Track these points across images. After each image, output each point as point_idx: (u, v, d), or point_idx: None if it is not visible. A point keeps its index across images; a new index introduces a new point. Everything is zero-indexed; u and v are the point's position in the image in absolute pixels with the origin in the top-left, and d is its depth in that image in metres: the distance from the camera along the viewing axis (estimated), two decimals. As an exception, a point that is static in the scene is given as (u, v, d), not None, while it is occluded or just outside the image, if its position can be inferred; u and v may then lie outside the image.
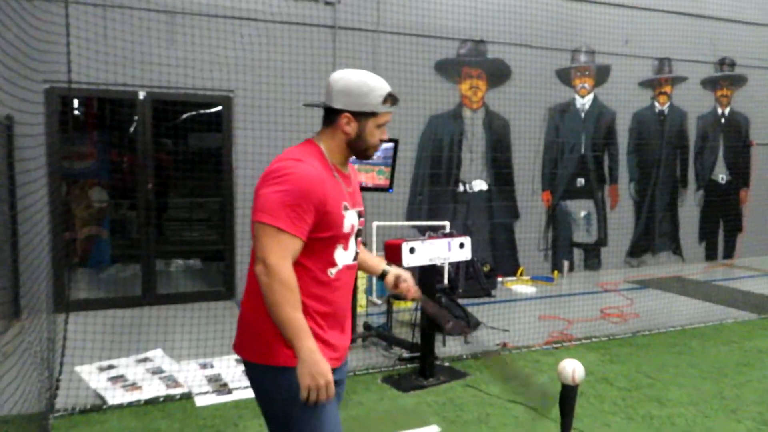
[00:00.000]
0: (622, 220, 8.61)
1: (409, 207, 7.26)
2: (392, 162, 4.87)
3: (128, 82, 5.97)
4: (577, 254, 8.32)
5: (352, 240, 1.97)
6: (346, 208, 1.90)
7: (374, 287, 6.60)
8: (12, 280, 5.50)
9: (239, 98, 6.41)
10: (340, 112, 1.87)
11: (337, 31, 6.73)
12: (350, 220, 1.93)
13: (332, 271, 1.90)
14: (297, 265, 1.83)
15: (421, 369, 4.25)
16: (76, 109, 7.66)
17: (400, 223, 6.85)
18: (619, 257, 8.61)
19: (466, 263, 6.91)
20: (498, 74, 7.57)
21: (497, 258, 7.67)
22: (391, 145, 4.84)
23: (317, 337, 1.83)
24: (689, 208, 9.09)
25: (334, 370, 1.86)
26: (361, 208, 2.04)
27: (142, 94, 6.09)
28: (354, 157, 2.01)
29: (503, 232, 7.78)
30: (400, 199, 7.16)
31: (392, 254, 4.07)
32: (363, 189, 4.75)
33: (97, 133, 7.47)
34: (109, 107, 6.69)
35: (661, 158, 8.78)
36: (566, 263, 8.10)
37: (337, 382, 1.95)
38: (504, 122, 7.66)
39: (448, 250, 4.24)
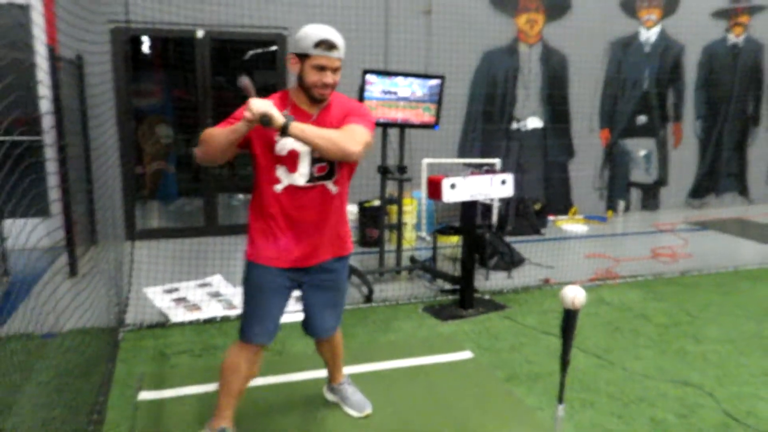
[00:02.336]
0: (686, 159, 8.31)
1: (461, 144, 7.27)
2: (438, 99, 4.90)
3: (187, 20, 6.17)
4: (635, 194, 8.14)
5: (302, 165, 2.34)
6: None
7: (423, 223, 6.75)
8: (88, 209, 5.99)
9: (293, 36, 6.50)
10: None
11: (389, -35, 6.64)
12: (287, 145, 2.30)
13: (278, 187, 2.35)
14: (255, 178, 2.40)
15: (461, 300, 4.42)
16: (140, 48, 7.98)
17: (450, 160, 6.90)
18: (679, 198, 8.36)
19: (516, 201, 6.93)
20: (557, 7, 7.30)
21: (550, 197, 7.63)
22: (437, 82, 4.85)
23: (267, 234, 2.40)
24: (760, 148, 8.64)
25: (290, 269, 2.44)
26: None
27: (200, 33, 6.29)
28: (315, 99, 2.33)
29: (557, 171, 7.70)
30: (451, 136, 7.18)
31: (434, 189, 4.18)
32: (409, 126, 4.85)
33: (161, 72, 7.78)
34: (171, 46, 6.94)
35: (732, 95, 8.32)
36: (622, 203, 7.96)
37: (301, 282, 2.52)
38: (562, 57, 7.44)
39: (489, 187, 4.30)
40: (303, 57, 2.25)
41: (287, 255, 2.42)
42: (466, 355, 3.66)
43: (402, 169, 4.95)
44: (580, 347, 3.74)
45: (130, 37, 6.19)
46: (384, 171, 4.89)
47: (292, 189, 2.36)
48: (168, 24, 6.15)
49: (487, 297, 4.71)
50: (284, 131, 2.09)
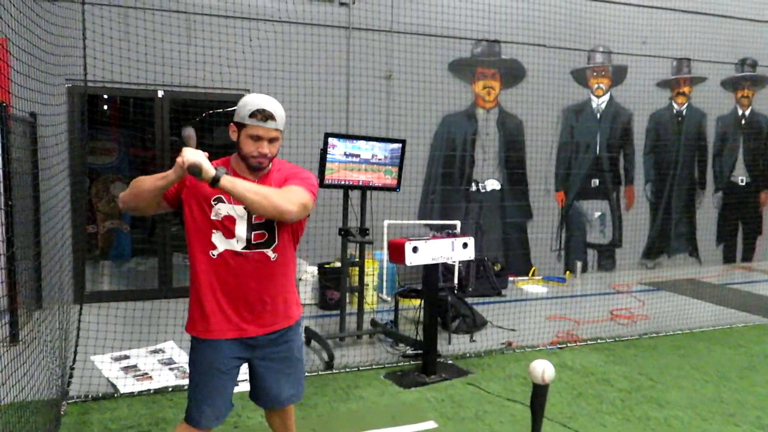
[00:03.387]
0: (638, 221, 8.57)
1: (421, 206, 7.33)
2: (400, 162, 4.94)
3: (148, 80, 6.14)
4: (591, 255, 8.31)
5: (238, 230, 2.26)
6: (217, 201, 2.25)
7: (384, 284, 6.69)
8: (35, 271, 5.72)
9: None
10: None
11: (351, 32, 6.82)
12: (222, 210, 2.25)
13: (213, 253, 2.26)
14: (188, 245, 2.31)
15: (424, 366, 4.33)
16: (98, 106, 7.89)
17: (411, 221, 6.93)
18: (634, 259, 8.57)
19: (477, 262, 6.96)
20: (512, 74, 7.59)
21: (509, 257, 7.71)
22: (398, 145, 4.91)
23: (204, 304, 2.28)
24: (707, 210, 9.00)
25: (241, 339, 2.31)
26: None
27: (160, 93, 6.26)
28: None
29: (516, 232, 7.81)
30: (412, 198, 7.24)
31: (396, 253, 4.15)
32: (371, 188, 4.85)
33: (118, 131, 7.68)
34: (129, 105, 6.88)
35: (678, 159, 8.70)
36: (579, 264, 8.10)
37: (251, 357, 2.38)
38: (518, 122, 7.68)
39: (451, 250, 4.30)
40: (240, 126, 2.23)
41: (227, 325, 2.29)
42: (429, 425, 3.55)
43: (364, 231, 4.92)
44: (546, 415, 3.67)
45: (86, 95, 6.11)
46: (345, 233, 4.85)
47: (228, 255, 2.26)
48: (127, 84, 6.11)
49: (450, 362, 4.63)
50: (214, 182, 2.02)
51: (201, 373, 2.33)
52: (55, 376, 3.86)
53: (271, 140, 2.23)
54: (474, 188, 7.58)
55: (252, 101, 2.21)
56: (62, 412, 3.59)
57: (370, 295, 6.31)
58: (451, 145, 7.41)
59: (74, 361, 4.08)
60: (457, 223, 6.85)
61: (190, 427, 2.35)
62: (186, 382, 4.09)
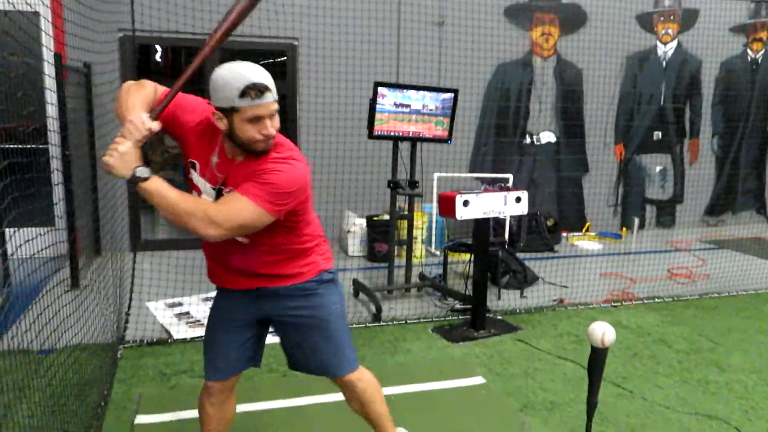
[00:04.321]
0: (702, 176, 8.13)
1: (473, 158, 7.14)
2: (451, 113, 4.77)
3: (196, 30, 6.09)
4: (650, 211, 7.97)
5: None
6: (192, 165, 1.99)
7: (434, 238, 6.61)
8: (93, 219, 5.89)
9: (303, 47, 6.42)
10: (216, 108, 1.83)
11: (402, -24, 6.55)
12: (194, 178, 2.02)
13: None
14: None
15: (472, 321, 4.27)
16: (151, 57, 7.92)
17: (461, 174, 6.76)
18: (695, 215, 8.18)
19: (529, 217, 6.77)
20: (572, 20, 7.18)
21: (563, 213, 7.47)
22: (450, 95, 4.73)
23: (205, 251, 2.17)
24: (779, 166, 8.45)
25: (222, 289, 2.20)
26: (225, 188, 1.97)
27: (210, 42, 6.19)
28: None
29: (571, 186, 7.54)
30: (463, 150, 7.05)
31: (446, 206, 4.04)
32: (421, 140, 4.71)
33: (170, 82, 7.72)
34: (180, 55, 6.86)
35: (750, 111, 8.14)
36: (636, 220, 7.79)
37: (263, 303, 2.15)
38: (577, 71, 7.31)
39: (503, 204, 4.16)
40: (229, 111, 1.80)
41: (229, 282, 2.14)
42: (477, 380, 3.50)
43: (413, 183, 4.82)
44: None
45: (138, 45, 6.12)
46: (394, 185, 4.76)
47: None
48: (176, 33, 6.07)
49: (499, 317, 4.55)
50: (132, 184, 1.78)
51: (208, 320, 2.30)
52: (111, 321, 3.98)
53: (273, 115, 1.85)
54: (528, 141, 7.31)
55: (235, 77, 1.77)
56: (119, 356, 3.71)
57: (419, 249, 6.25)
58: (505, 95, 7.13)
59: (129, 307, 4.20)
60: (509, 176, 6.64)
61: (204, 381, 2.31)
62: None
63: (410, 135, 4.68)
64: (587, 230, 7.52)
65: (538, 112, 7.30)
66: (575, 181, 7.56)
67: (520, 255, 6.20)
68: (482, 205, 4.06)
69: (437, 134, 4.77)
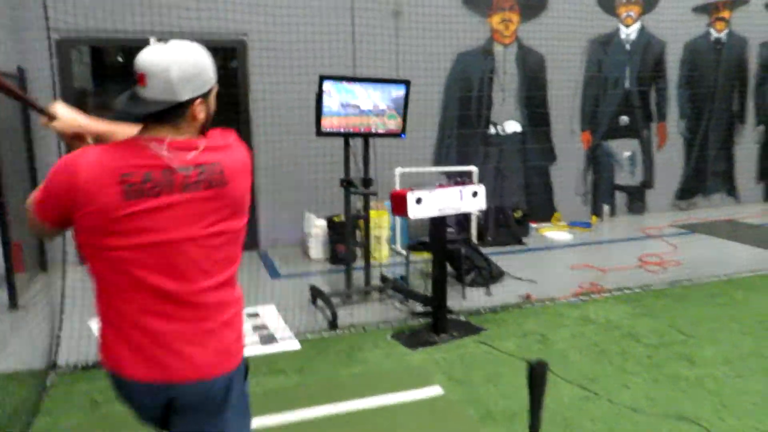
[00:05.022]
0: (671, 159, 8.01)
1: (436, 152, 6.92)
2: (404, 105, 4.53)
3: (137, 28, 5.77)
4: (620, 198, 7.82)
5: None
6: None
7: (398, 237, 6.38)
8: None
9: (254, 42, 6.14)
10: (190, 102, 1.51)
11: (354, -35, 6.28)
12: None
13: None
14: None
15: (434, 324, 4.05)
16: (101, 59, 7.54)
17: (424, 168, 6.53)
18: (666, 200, 8.05)
19: (496, 210, 6.59)
20: (533, 6, 6.98)
21: (532, 203, 7.29)
22: (401, 90, 4.48)
23: None
24: (747, 146, 8.36)
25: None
26: None
27: (152, 41, 5.89)
28: None
29: (538, 176, 7.36)
30: (426, 143, 6.82)
31: (398, 205, 3.82)
32: (373, 135, 4.48)
33: (112, 84, 7.35)
34: (123, 55, 6.52)
35: (716, 92, 8.03)
36: (607, 207, 7.64)
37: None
38: (539, 57, 7.11)
39: (459, 200, 3.94)
40: (210, 91, 1.58)
41: None
42: (435, 390, 3.28)
43: (367, 181, 4.58)
44: (564, 377, 3.37)
45: (74, 46, 5.79)
46: (347, 184, 4.52)
47: None
48: (120, 31, 5.75)
49: (462, 318, 4.34)
50: None
51: None
52: (45, 344, 3.69)
53: None
54: (493, 131, 7.11)
55: (206, 54, 1.56)
56: (48, 383, 3.42)
57: (383, 249, 6.02)
58: (466, 85, 6.92)
59: (60, 328, 3.90)
60: (474, 169, 6.42)
61: None
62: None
63: (361, 131, 4.43)
64: (557, 220, 7.35)
65: (501, 101, 7.09)
66: (543, 171, 7.38)
67: (488, 250, 6.02)
68: (436, 202, 3.84)
69: (390, 129, 4.53)
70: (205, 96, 1.54)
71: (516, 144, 7.22)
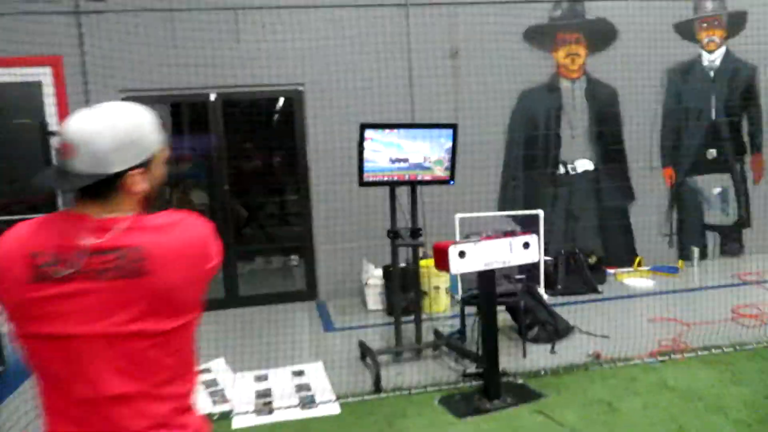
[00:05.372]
0: (771, 195, 7.19)
1: (501, 195, 6.57)
2: (452, 149, 4.28)
3: (199, 83, 5.92)
4: (712, 239, 7.08)
5: None
6: None
7: (460, 286, 6.04)
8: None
9: (310, 92, 6.13)
10: (123, 173, 1.30)
11: (409, 9, 6.19)
12: None
13: None
14: None
15: (485, 388, 3.69)
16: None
17: (486, 213, 6.19)
18: (767, 241, 7.21)
19: (567, 255, 6.12)
20: (601, 36, 6.58)
21: (609, 247, 6.73)
22: (447, 132, 4.24)
23: None
24: None
25: None
26: None
27: (212, 96, 6.02)
28: None
29: (615, 217, 6.80)
30: (489, 187, 6.50)
31: (440, 259, 3.54)
32: (420, 183, 4.25)
33: (179, 137, 7.60)
34: (184, 110, 6.72)
35: (821, 117, 7.18)
36: (696, 250, 6.91)
37: None
38: (611, 91, 6.65)
39: (509, 252, 3.60)
40: (154, 158, 1.35)
41: None
42: (478, 471, 2.92)
43: (415, 232, 4.33)
44: (629, 459, 2.91)
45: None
46: (394, 235, 4.29)
47: None
48: (183, 88, 5.91)
49: (519, 381, 3.94)
50: None
51: None
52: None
53: None
54: (562, 170, 6.68)
55: (148, 115, 1.35)
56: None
57: (443, 299, 5.71)
58: (532, 124, 6.57)
59: None
60: (540, 213, 6.00)
61: None
62: (219, 409, 3.76)
63: (406, 179, 4.21)
64: (639, 265, 6.73)
65: (570, 139, 6.67)
66: (620, 211, 6.82)
67: (558, 299, 5.58)
68: (482, 255, 3.53)
69: (437, 176, 4.28)
70: (144, 165, 1.33)
71: (589, 183, 6.74)
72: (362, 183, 4.12)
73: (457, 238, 5.82)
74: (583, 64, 6.60)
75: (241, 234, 7.13)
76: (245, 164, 7.08)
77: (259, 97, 6.21)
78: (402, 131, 4.19)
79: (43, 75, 5.66)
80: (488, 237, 3.62)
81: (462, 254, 3.47)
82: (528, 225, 6.09)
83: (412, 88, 6.26)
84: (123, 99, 5.86)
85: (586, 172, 6.73)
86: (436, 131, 4.25)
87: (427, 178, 4.26)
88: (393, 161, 4.17)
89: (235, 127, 6.32)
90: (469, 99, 6.34)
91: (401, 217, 4.35)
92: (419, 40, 6.22)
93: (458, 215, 5.92)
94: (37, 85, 5.61)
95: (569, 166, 6.69)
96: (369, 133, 4.06)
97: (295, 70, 6.05)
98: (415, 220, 4.37)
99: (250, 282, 6.72)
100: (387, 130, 4.15)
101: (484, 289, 3.68)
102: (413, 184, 4.31)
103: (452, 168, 4.30)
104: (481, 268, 3.55)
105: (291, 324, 5.55)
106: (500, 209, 6.50)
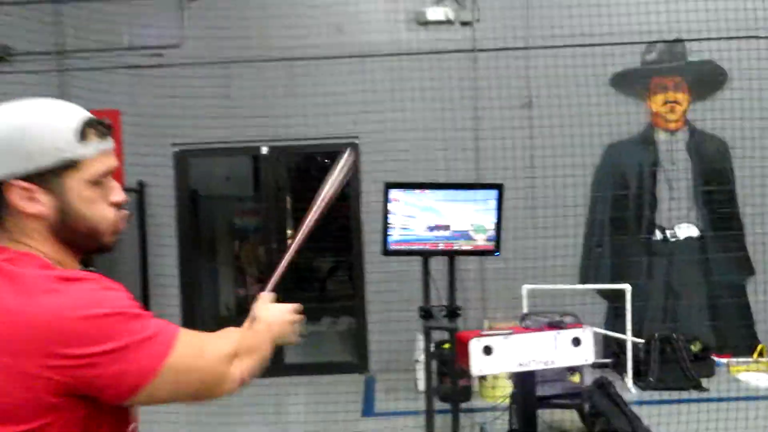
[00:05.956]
0: None
1: (583, 263, 5.66)
2: (497, 214, 3.57)
3: (254, 137, 5.69)
4: None
5: None
6: None
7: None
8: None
9: (365, 145, 5.68)
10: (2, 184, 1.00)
11: (477, 55, 5.62)
12: None
13: None
14: None
15: None
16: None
17: (562, 286, 5.31)
18: None
19: (662, 339, 5.07)
20: (706, 81, 5.61)
21: (720, 332, 5.55)
22: (491, 193, 3.55)
23: None
24: None
25: None
26: None
27: (264, 149, 5.75)
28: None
29: (729, 295, 5.62)
30: (569, 253, 5.63)
31: (461, 354, 2.82)
32: (457, 253, 3.59)
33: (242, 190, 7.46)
34: (239, 164, 6.53)
35: None
36: (839, 340, 5.53)
37: None
38: (720, 144, 5.61)
39: (552, 349, 2.81)
40: (59, 174, 1.01)
41: None
42: None
43: (453, 312, 3.63)
44: None
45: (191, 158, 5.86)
46: (426, 314, 3.62)
47: None
48: (233, 142, 5.72)
49: None
50: None
51: None
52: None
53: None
54: (659, 236, 5.66)
55: (59, 113, 1.03)
56: None
57: (502, 383, 4.86)
58: (620, 181, 5.66)
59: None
60: (626, 287, 5.02)
61: None
62: None
63: (440, 248, 3.55)
64: (759, 355, 5.46)
65: (669, 200, 5.66)
66: (735, 288, 5.64)
67: (649, 396, 4.58)
68: (516, 352, 2.76)
69: (478, 245, 3.58)
70: (36, 179, 1.00)
71: (693, 253, 5.65)
72: (386, 251, 3.52)
73: (525, 311, 4.99)
74: (685, 112, 5.63)
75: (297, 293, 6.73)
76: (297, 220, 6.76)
77: (312, 150, 5.86)
78: (439, 192, 3.57)
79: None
80: (524, 329, 2.85)
81: (488, 350, 2.73)
82: (615, 300, 5.17)
83: (478, 141, 5.62)
84: (176, 152, 5.76)
85: (689, 239, 5.66)
86: (479, 192, 3.57)
87: (467, 248, 3.57)
88: (431, 228, 3.54)
89: (287, 180, 6.00)
90: (545, 154, 5.60)
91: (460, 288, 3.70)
92: (488, 88, 5.61)
93: (526, 286, 5.10)
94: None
95: (668, 232, 5.66)
96: (396, 194, 3.47)
97: (350, 122, 5.64)
98: (453, 298, 3.67)
99: (299, 347, 6.24)
100: (418, 191, 3.54)
101: (521, 392, 2.89)
102: (450, 255, 3.63)
103: (497, 237, 3.58)
104: (515, 368, 2.78)
105: (327, 401, 4.95)
106: (582, 280, 5.59)
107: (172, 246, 5.75)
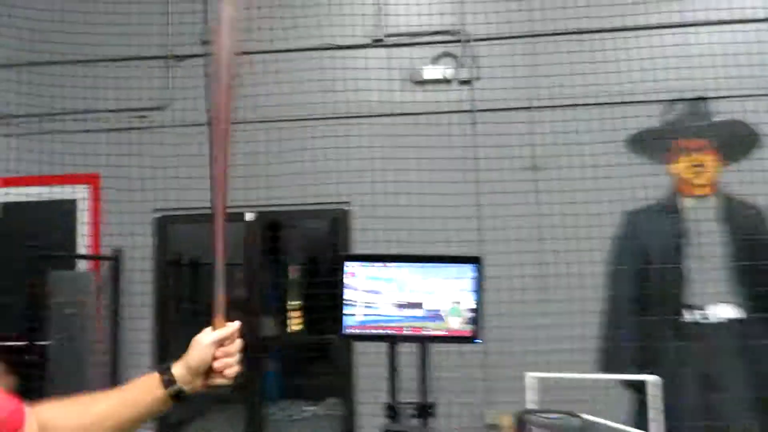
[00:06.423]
0: None
1: (602, 348, 4.95)
2: (476, 294, 2.99)
3: (239, 203, 5.31)
4: None
5: None
6: None
7: None
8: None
9: (357, 209, 5.23)
10: None
11: (476, 115, 5.19)
12: None
13: None
14: None
15: None
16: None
17: (574, 375, 4.58)
18: None
19: (696, 444, 4.26)
20: (736, 142, 5.01)
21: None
22: (467, 269, 2.98)
23: None
24: None
25: None
26: None
27: (248, 216, 5.35)
28: None
29: (777, 388, 4.80)
30: (585, 335, 4.94)
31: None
32: (429, 339, 3.02)
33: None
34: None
35: None
36: None
37: None
38: (755, 212, 4.94)
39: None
40: None
41: None
42: None
43: (424, 409, 3.00)
44: None
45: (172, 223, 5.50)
46: (390, 411, 3.00)
47: None
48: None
49: None
50: None
51: None
52: None
53: None
54: (689, 317, 4.93)
55: None
56: None
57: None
58: (642, 254, 5.00)
59: None
60: (653, 379, 4.28)
61: None
62: None
63: (404, 333, 2.98)
64: (819, 464, 4.57)
65: (701, 275, 4.96)
66: (784, 380, 4.82)
67: None
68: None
69: (452, 330, 2.98)
70: None
71: (732, 337, 4.88)
72: (342, 335, 2.96)
73: (528, 405, 4.29)
74: (714, 177, 5.02)
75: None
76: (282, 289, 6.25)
77: (299, 216, 5.43)
78: (405, 266, 3.03)
79: (80, 193, 5.40)
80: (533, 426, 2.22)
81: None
82: (641, 391, 4.41)
83: (480, 208, 5.10)
84: (157, 218, 5.43)
85: (728, 321, 4.90)
86: (452, 268, 3.01)
87: (438, 333, 2.99)
88: (400, 306, 2.99)
89: (272, 248, 5.56)
90: (553, 223, 5.02)
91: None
92: (490, 151, 5.14)
93: (530, 374, 4.40)
94: (70, 203, 5.35)
95: (700, 313, 4.92)
96: (353, 267, 2.95)
97: (340, 186, 5.22)
98: (425, 394, 3.05)
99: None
100: (382, 264, 3.01)
101: None
102: (422, 342, 3.04)
103: (476, 320, 2.98)
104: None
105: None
106: (599, 368, 4.86)
107: (147, 318, 5.32)
